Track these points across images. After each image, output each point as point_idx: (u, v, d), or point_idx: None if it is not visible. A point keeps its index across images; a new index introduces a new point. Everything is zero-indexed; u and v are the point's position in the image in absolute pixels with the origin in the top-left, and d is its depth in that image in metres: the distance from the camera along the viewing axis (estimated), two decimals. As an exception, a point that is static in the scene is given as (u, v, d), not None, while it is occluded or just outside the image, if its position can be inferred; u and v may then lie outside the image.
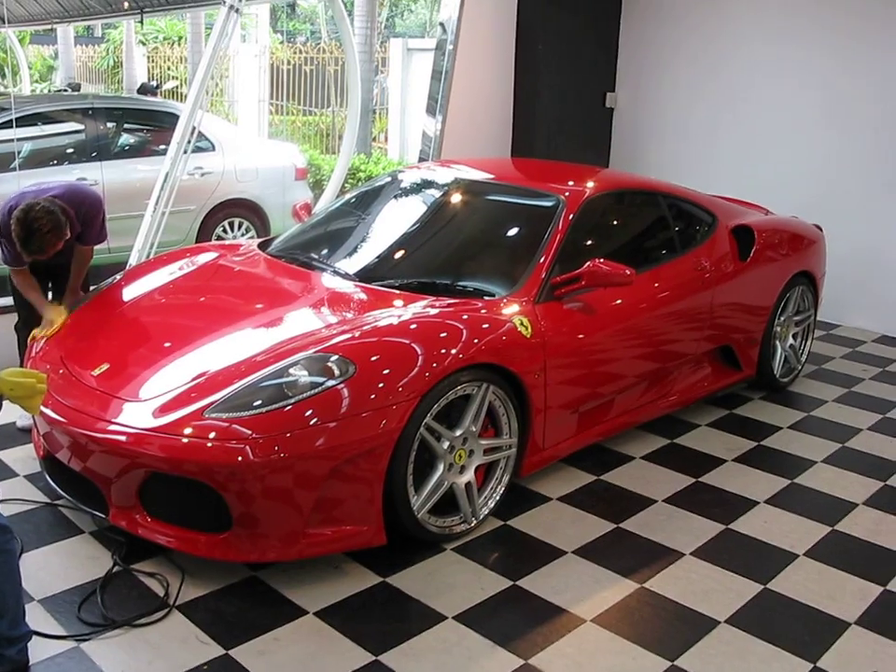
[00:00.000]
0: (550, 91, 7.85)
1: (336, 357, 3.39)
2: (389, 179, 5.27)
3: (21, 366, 4.35)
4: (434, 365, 3.46)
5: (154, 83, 16.40)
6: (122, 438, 3.29)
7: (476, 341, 3.65)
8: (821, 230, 6.08)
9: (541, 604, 3.34)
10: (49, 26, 14.52)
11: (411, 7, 28.96)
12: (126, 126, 8.55)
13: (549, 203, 4.51)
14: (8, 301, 5.27)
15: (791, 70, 7.36)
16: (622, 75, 8.48)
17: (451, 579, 3.46)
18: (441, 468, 3.58)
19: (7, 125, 7.13)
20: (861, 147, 7.10)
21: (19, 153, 7.57)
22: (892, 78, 6.89)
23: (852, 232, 7.01)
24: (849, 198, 7.15)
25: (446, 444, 3.57)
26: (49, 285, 4.69)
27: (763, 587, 3.52)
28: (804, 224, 5.99)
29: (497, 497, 3.86)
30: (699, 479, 4.44)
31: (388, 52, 15.49)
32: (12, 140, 7.21)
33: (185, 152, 6.06)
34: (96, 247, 4.60)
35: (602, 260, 4.08)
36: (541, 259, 4.18)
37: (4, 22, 14.19)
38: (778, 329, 5.60)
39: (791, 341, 5.75)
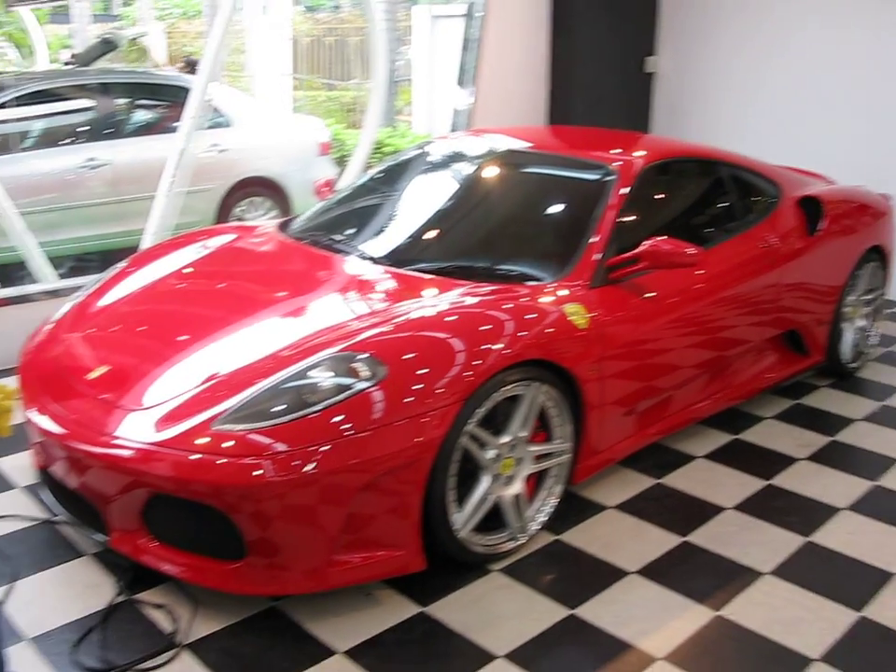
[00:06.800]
0: (588, 56, 7.30)
1: (364, 355, 2.95)
2: (418, 151, 4.80)
3: None
4: (477, 363, 3.01)
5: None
6: (117, 452, 2.86)
7: (523, 333, 3.19)
8: (889, 199, 5.56)
9: (604, 638, 2.89)
10: (63, 2, 14.07)
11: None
12: (139, 102, 8.11)
13: (598, 175, 4.03)
14: (9, 292, 4.94)
15: (855, 27, 6.76)
16: (663, 37, 7.91)
17: (499, 607, 3.02)
18: (486, 480, 3.13)
19: (11, 104, 6.74)
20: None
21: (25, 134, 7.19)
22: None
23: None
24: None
25: (492, 453, 3.13)
26: None
27: (858, 615, 3.04)
28: (872, 194, 5.46)
29: (549, 510, 3.42)
30: (770, 481, 3.97)
31: (412, 21, 14.89)
32: (14, 120, 6.83)
33: (198, 128, 5.65)
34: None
35: (663, 238, 3.61)
36: (594, 238, 3.71)
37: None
38: (848, 309, 5.10)
39: (859, 322, 5.25)
